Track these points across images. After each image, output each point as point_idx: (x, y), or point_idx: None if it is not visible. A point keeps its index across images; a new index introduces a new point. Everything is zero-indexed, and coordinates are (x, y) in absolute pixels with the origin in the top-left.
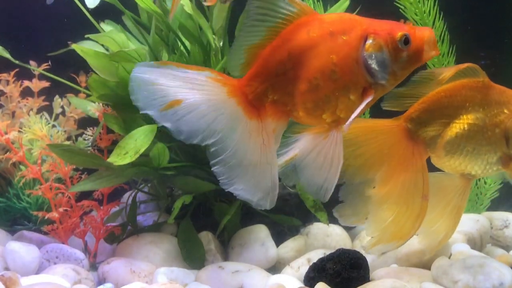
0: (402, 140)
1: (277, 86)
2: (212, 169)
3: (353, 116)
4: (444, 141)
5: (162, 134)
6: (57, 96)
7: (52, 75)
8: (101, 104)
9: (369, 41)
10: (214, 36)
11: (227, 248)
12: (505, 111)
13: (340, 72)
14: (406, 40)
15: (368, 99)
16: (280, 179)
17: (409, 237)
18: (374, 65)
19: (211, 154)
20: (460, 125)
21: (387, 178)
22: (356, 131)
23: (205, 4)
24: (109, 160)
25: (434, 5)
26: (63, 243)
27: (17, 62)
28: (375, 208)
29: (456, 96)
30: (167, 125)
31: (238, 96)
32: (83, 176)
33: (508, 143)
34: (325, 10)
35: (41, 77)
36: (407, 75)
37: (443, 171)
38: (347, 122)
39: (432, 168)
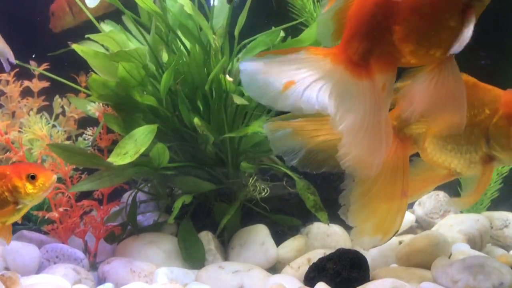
0: None
1: (376, 39)
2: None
3: (467, 34)
4: (427, 140)
5: (162, 134)
6: (57, 96)
7: (52, 75)
8: (101, 104)
9: None
10: (214, 36)
11: (227, 248)
12: (487, 111)
13: (430, 2)
14: None
15: (471, 18)
16: (282, 180)
17: (392, 232)
18: None
19: (333, 124)
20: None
21: None
22: None
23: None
24: (109, 160)
25: None
26: (63, 243)
27: (17, 62)
28: (356, 200)
29: None
30: (288, 106)
31: (342, 62)
32: (83, 176)
33: (488, 143)
34: None
35: (41, 77)
36: None
37: None
38: (462, 41)
39: None
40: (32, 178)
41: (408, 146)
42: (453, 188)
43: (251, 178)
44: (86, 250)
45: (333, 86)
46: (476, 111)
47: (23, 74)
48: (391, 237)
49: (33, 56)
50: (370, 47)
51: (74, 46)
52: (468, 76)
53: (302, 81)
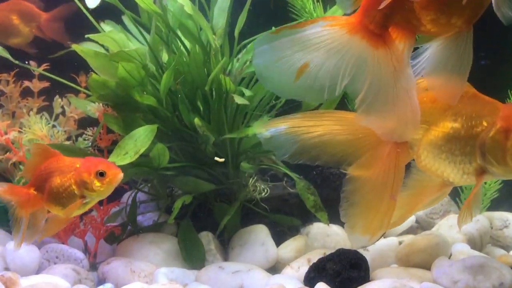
0: (380, 138)
1: (395, 7)
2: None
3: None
4: (421, 146)
5: (162, 134)
6: (57, 96)
7: (52, 75)
8: (101, 104)
9: None
10: (214, 36)
11: (227, 248)
12: (484, 123)
13: None
14: None
15: None
16: (282, 180)
17: (378, 233)
18: None
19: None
20: (435, 132)
21: (360, 171)
22: (339, 120)
23: None
24: (109, 160)
25: None
26: (63, 243)
27: (17, 62)
28: (347, 197)
29: (438, 102)
30: (303, 91)
31: (359, 31)
32: None
33: (483, 155)
34: (325, 10)
35: (41, 77)
36: None
37: None
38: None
39: None
40: (101, 175)
41: (403, 150)
42: (453, 189)
43: (251, 179)
44: (86, 251)
45: (348, 60)
46: (474, 122)
47: (23, 74)
48: (378, 239)
49: (33, 56)
50: (388, 15)
51: (74, 46)
52: (469, 86)
53: (315, 61)
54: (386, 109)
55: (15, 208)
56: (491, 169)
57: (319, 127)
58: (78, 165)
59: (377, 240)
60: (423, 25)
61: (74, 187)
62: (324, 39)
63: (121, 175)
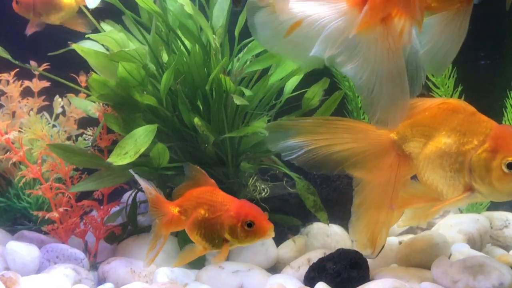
0: (384, 149)
1: None
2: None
3: None
4: (420, 160)
5: (162, 134)
6: (57, 96)
7: (52, 75)
8: (101, 104)
9: None
10: (214, 36)
11: None
12: (475, 141)
13: None
14: None
15: None
16: (282, 180)
17: (378, 245)
18: None
19: (340, 66)
20: (431, 147)
21: (365, 181)
22: (347, 129)
23: None
24: (109, 160)
25: None
26: (63, 243)
27: (17, 62)
28: (354, 211)
29: (437, 117)
30: (291, 48)
31: (359, 5)
32: (83, 176)
33: (470, 174)
34: None
35: (41, 77)
36: None
37: None
38: None
39: None
40: (249, 226)
41: (404, 162)
42: None
43: (251, 178)
44: (86, 250)
45: (343, 29)
46: (465, 140)
47: (23, 74)
48: (380, 251)
49: (33, 56)
50: None
51: (74, 46)
52: (468, 105)
53: (308, 20)
54: (381, 85)
55: (157, 224)
56: (477, 188)
57: (328, 135)
58: (229, 207)
59: (378, 253)
60: (426, 3)
61: (219, 227)
62: (324, 2)
63: (270, 233)
